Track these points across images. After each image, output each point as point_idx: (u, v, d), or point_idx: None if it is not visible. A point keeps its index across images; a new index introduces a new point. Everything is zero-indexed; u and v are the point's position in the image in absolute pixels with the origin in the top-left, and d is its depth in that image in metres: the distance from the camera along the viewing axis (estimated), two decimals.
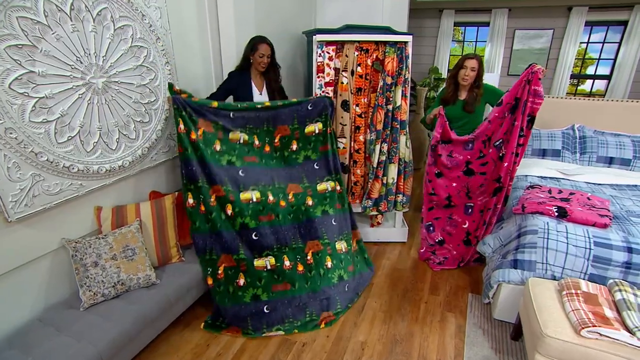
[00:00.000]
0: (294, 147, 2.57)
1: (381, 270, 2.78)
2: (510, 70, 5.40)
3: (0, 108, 1.51)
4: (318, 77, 2.81)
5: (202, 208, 2.25)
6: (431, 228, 2.90)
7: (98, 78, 1.91)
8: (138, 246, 2.02)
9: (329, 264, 2.43)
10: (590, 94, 5.46)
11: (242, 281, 2.24)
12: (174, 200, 2.26)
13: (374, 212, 3.03)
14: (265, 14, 3.10)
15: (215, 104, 2.31)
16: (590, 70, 5.39)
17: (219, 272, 2.22)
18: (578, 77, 5.46)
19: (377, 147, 2.81)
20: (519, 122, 2.36)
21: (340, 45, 2.76)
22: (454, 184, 2.70)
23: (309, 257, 2.39)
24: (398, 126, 2.80)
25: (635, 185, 2.75)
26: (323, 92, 2.82)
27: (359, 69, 2.75)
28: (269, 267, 2.28)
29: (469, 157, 2.61)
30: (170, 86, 2.30)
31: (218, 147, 2.32)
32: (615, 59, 4.95)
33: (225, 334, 2.14)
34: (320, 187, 2.58)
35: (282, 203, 2.43)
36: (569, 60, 5.00)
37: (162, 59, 2.30)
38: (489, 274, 2.27)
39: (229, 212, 2.26)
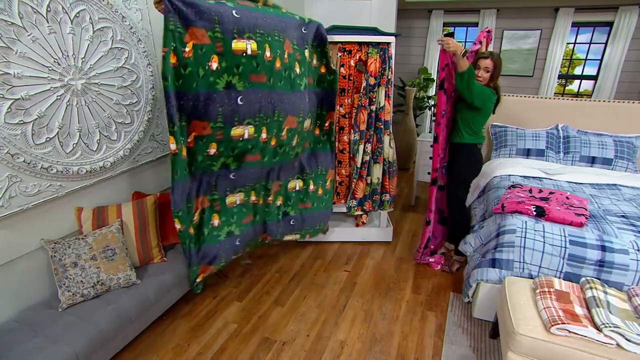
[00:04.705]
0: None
1: (364, 270, 2.79)
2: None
3: None
4: None
5: (184, 153, 2.07)
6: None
7: (77, 80, 1.91)
8: (118, 246, 2.02)
9: None
10: (577, 94, 5.50)
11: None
12: (156, 201, 2.26)
13: (359, 212, 3.05)
14: None
15: None
16: (578, 71, 5.43)
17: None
18: (566, 77, 5.50)
19: (361, 147, 2.83)
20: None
21: None
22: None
23: None
24: (382, 126, 2.82)
25: (615, 185, 2.78)
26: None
27: (342, 69, 2.76)
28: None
29: None
30: None
31: (215, 65, 1.90)
32: (601, 60, 4.99)
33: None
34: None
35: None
36: (557, 61, 5.03)
37: (144, 61, 2.31)
38: (468, 273, 2.29)
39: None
